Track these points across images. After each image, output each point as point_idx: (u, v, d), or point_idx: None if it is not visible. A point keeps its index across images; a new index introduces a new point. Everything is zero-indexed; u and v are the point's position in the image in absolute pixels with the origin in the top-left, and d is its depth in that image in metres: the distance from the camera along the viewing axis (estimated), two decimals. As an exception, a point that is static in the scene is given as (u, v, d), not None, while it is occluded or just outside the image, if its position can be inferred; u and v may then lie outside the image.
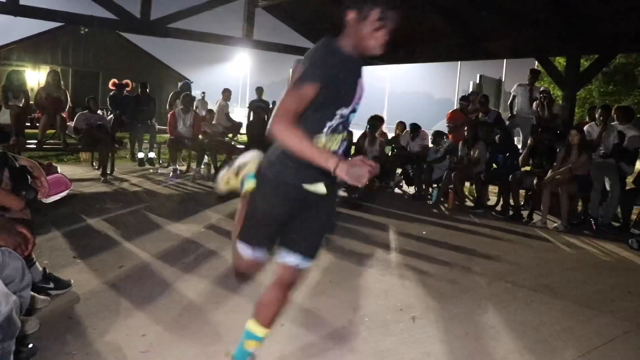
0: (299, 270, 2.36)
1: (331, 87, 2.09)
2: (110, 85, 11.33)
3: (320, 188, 2.26)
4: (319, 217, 2.36)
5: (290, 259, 2.33)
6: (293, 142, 2.00)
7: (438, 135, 9.12)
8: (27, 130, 9.14)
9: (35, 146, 8.63)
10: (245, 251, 2.36)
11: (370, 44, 2.15)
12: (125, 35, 23.78)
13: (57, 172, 3.71)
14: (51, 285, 3.41)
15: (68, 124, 8.92)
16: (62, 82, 9.39)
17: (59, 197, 3.24)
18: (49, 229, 5.09)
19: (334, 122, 2.21)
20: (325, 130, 2.20)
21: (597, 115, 7.77)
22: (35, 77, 22.63)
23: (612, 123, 7.61)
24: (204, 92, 13.93)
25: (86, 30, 21.91)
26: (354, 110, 2.27)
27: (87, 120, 8.85)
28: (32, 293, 2.64)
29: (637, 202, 6.94)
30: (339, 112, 2.19)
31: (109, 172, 8.84)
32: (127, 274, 4.02)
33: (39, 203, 3.14)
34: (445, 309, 3.68)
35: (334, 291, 3.76)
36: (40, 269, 3.41)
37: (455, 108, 10.11)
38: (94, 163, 9.90)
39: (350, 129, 2.46)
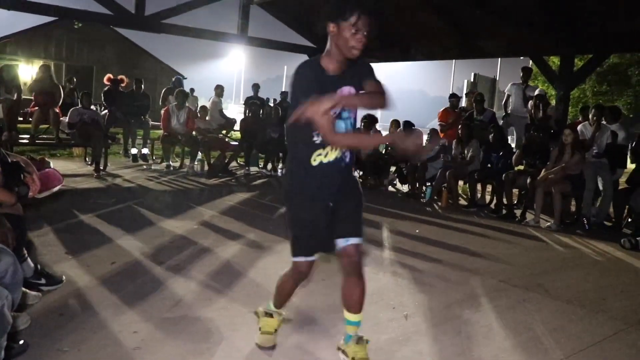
0: (357, 249, 2.57)
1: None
2: (105, 80, 11.28)
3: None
4: (352, 198, 2.62)
5: (346, 244, 2.55)
6: (352, 141, 2.54)
7: (433, 133, 9.12)
8: (19, 125, 9.08)
9: (27, 141, 8.58)
10: (303, 261, 2.62)
11: (350, 47, 2.35)
12: (120, 30, 23.66)
13: (50, 167, 3.70)
14: (43, 281, 3.39)
15: (61, 118, 8.87)
16: (54, 77, 9.33)
17: (51, 192, 3.23)
18: (41, 224, 5.06)
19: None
20: (315, 139, 2.45)
21: (590, 115, 7.80)
22: (28, 71, 22.50)
23: (605, 123, 7.64)
24: (192, 89, 13.88)
25: (80, 24, 21.77)
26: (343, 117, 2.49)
27: (80, 115, 8.80)
28: (24, 289, 2.63)
29: (629, 202, 6.97)
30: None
31: (102, 167, 8.81)
32: (119, 271, 4.00)
33: (31, 198, 3.13)
34: (438, 308, 3.68)
35: (326, 289, 3.76)
36: (32, 264, 3.39)
37: (446, 107, 10.10)
38: (87, 159, 9.86)
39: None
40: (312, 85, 2.33)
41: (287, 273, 2.74)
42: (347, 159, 2.57)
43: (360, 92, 2.49)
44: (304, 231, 2.60)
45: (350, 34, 2.31)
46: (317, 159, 2.48)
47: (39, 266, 3.45)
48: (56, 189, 3.60)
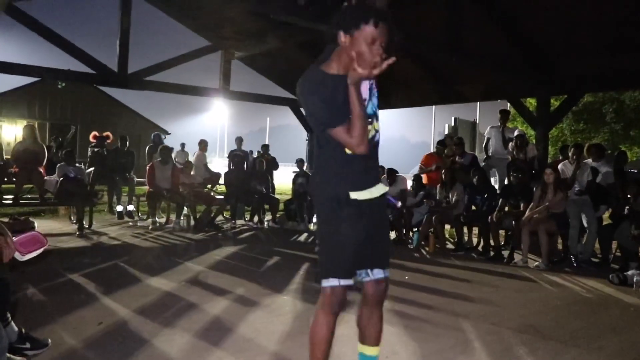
0: (384, 282, 2.51)
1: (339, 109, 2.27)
2: (91, 138, 11.32)
3: (372, 192, 2.41)
4: (381, 229, 2.54)
5: (374, 276, 2.48)
6: (360, 132, 2.25)
7: (417, 179, 9.18)
8: (3, 186, 9.03)
9: (11, 202, 8.51)
10: (334, 284, 2.41)
11: (368, 61, 2.21)
12: (103, 88, 23.88)
13: (34, 228, 3.66)
14: (27, 345, 3.31)
15: (45, 178, 8.83)
16: (38, 137, 9.35)
17: (35, 255, 3.18)
18: (26, 286, 4.97)
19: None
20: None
21: (570, 154, 7.96)
22: (12, 131, 22.53)
23: (585, 160, 7.79)
24: (183, 143, 13.97)
25: (63, 84, 21.97)
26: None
27: (65, 173, 8.77)
28: (8, 354, 2.57)
29: (614, 237, 7.04)
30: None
31: (87, 226, 8.74)
32: (107, 331, 3.92)
33: (15, 260, 3.09)
34: (431, 355, 3.64)
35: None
36: (16, 329, 3.31)
37: (431, 152, 10.23)
38: (72, 217, 9.77)
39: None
40: (337, 105, 2.25)
41: (316, 317, 2.47)
42: (377, 137, 2.48)
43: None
44: (345, 247, 2.38)
45: (366, 46, 2.20)
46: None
47: (23, 330, 3.37)
48: (40, 251, 3.56)
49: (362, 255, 2.42)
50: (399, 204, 2.43)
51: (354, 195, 2.36)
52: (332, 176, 2.40)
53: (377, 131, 2.46)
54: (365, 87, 2.39)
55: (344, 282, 2.40)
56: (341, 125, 2.25)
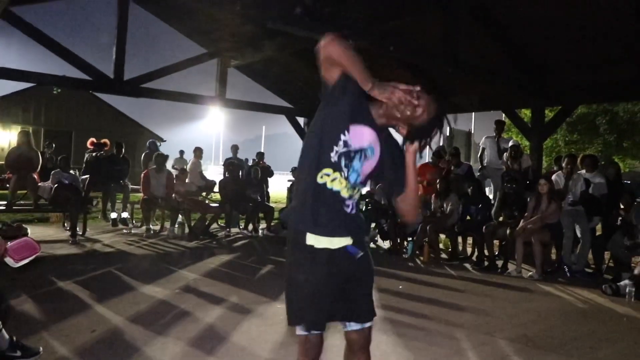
0: (367, 330, 2.30)
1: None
2: (88, 145, 11.28)
3: (333, 242, 2.20)
4: (354, 283, 2.27)
5: (351, 328, 2.28)
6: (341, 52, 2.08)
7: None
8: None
9: (4, 207, 8.47)
10: (302, 332, 2.23)
11: (399, 114, 2.17)
12: (99, 94, 23.88)
13: (27, 234, 3.65)
14: (18, 353, 3.29)
15: (39, 184, 8.79)
16: (33, 142, 9.31)
17: (27, 261, 3.17)
18: (18, 293, 4.94)
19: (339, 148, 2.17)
20: (332, 153, 2.16)
21: (563, 165, 8.00)
22: (6, 137, 22.46)
23: (579, 171, 7.82)
24: (182, 150, 13.96)
25: (59, 90, 21.95)
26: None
27: (59, 180, 8.74)
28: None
29: (607, 248, 7.07)
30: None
31: (81, 232, 8.70)
32: (100, 339, 3.90)
33: (7, 267, 3.07)
34: (425, 364, 3.64)
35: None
36: (7, 336, 3.29)
37: (426, 162, 10.25)
38: (65, 224, 9.73)
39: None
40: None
41: None
42: (351, 207, 2.24)
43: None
44: (300, 294, 2.22)
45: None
46: (324, 177, 2.17)
47: (14, 338, 3.35)
48: (33, 257, 3.54)
49: (329, 308, 2.23)
50: (360, 254, 2.15)
51: (310, 240, 2.19)
52: (299, 206, 2.23)
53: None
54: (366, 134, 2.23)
55: (313, 329, 2.22)
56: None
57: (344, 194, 2.19)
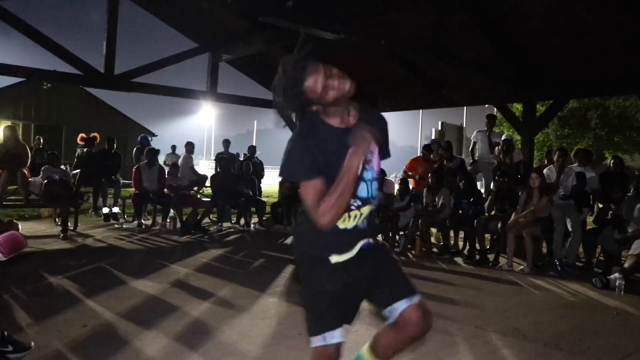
0: (418, 308, 2.24)
1: (323, 165, 2.08)
2: (78, 140, 11.20)
3: (355, 250, 2.22)
4: (381, 268, 2.30)
5: (404, 304, 2.22)
6: (333, 207, 2.02)
7: (403, 183, 9.22)
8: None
9: (-5, 204, 8.41)
10: (319, 342, 2.20)
11: (333, 95, 2.08)
12: (89, 89, 23.72)
13: (18, 230, 3.63)
14: (10, 348, 3.27)
15: (30, 179, 8.73)
16: (20, 137, 9.22)
17: (15, 254, 3.16)
18: (9, 288, 4.91)
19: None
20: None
21: (555, 158, 8.03)
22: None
23: (571, 165, 7.86)
24: (174, 145, 13.91)
25: (49, 85, 21.78)
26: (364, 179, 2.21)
27: (49, 175, 8.68)
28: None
29: (597, 241, 7.11)
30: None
31: (72, 228, 8.66)
32: (91, 334, 3.89)
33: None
34: (417, 357, 3.64)
35: (302, 345, 3.70)
36: (-1, 331, 3.28)
37: (418, 156, 10.28)
38: (56, 219, 9.68)
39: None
40: (307, 157, 2.07)
41: None
42: (365, 226, 2.25)
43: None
44: (319, 304, 2.22)
45: (322, 84, 2.08)
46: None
47: (5, 333, 3.33)
48: (20, 250, 3.52)
49: (343, 308, 2.24)
50: (372, 243, 2.11)
51: (334, 259, 2.18)
52: (314, 237, 2.19)
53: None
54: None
55: (330, 339, 2.18)
56: (308, 182, 2.07)
57: (359, 222, 2.22)
